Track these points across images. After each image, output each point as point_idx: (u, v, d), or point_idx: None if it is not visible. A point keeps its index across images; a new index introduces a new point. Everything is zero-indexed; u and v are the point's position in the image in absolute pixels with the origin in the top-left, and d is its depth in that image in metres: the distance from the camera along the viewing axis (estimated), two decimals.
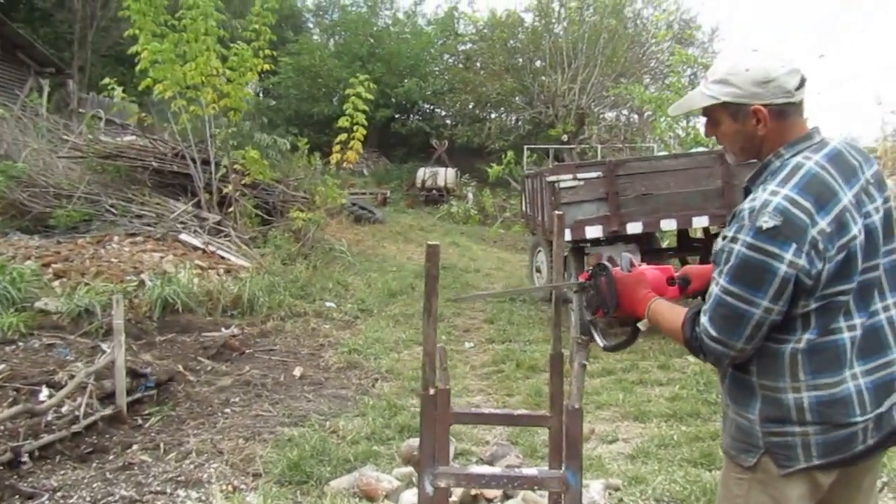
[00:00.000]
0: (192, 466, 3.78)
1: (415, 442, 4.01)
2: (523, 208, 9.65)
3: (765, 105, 1.69)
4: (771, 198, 1.58)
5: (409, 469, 3.76)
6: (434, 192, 20.45)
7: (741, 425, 1.74)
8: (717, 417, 4.70)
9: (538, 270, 9.46)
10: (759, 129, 1.71)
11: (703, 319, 1.66)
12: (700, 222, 6.46)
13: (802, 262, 1.56)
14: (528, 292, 2.10)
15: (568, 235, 6.38)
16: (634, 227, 6.35)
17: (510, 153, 18.15)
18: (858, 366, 1.66)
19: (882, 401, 1.67)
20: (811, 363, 1.64)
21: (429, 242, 1.93)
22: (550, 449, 2.53)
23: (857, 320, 1.65)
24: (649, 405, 5.00)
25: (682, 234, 7.65)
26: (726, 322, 1.62)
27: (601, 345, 2.03)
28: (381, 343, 6.74)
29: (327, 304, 8.30)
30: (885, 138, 12.95)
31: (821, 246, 1.57)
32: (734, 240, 1.62)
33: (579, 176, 6.25)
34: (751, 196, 1.66)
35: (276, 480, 3.63)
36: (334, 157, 10.33)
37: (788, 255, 1.55)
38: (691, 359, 6.25)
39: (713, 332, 1.63)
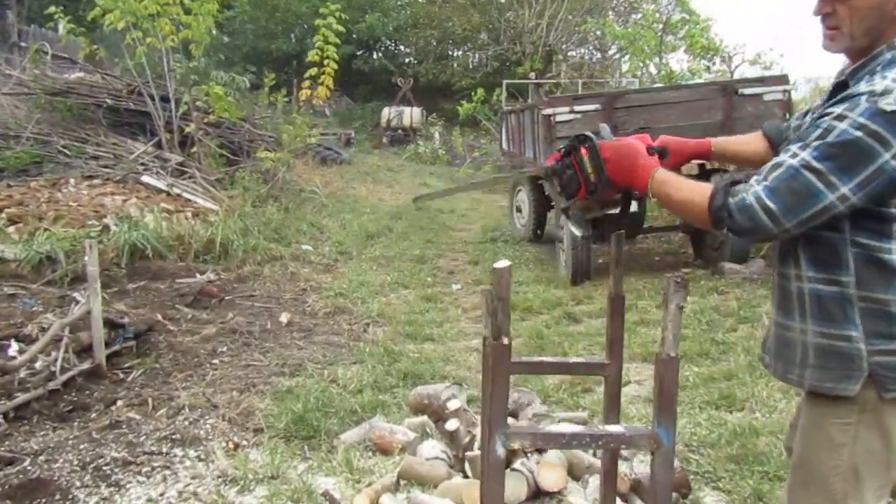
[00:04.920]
0: (186, 423, 3.48)
1: (424, 390, 3.77)
2: (503, 146, 9.33)
3: None
4: (894, 84, 1.40)
5: (421, 419, 3.53)
6: (400, 131, 19.90)
7: (835, 349, 1.53)
8: (726, 357, 4.59)
9: (519, 210, 9.23)
10: None
11: (759, 188, 1.46)
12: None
13: None
14: (490, 184, 1.90)
15: None
16: None
17: (480, 91, 17.64)
18: None
19: None
20: None
21: (496, 266, 1.60)
22: (606, 400, 2.31)
23: None
24: (655, 346, 4.80)
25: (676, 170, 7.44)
26: (792, 197, 1.44)
27: (579, 234, 1.85)
28: (366, 286, 6.45)
29: (304, 247, 7.95)
30: None
31: None
32: (840, 117, 1.42)
33: (576, 109, 5.94)
34: (863, 83, 1.45)
35: (281, 435, 3.37)
36: (304, 94, 9.78)
37: None
38: (689, 297, 6.13)
39: (770, 203, 1.45)
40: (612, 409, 2.26)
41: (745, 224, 1.48)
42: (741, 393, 3.94)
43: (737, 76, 15.17)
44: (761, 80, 6.34)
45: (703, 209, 1.53)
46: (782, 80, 6.17)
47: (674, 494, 2.80)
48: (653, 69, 15.97)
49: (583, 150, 1.69)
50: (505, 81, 17.33)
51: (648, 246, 8.64)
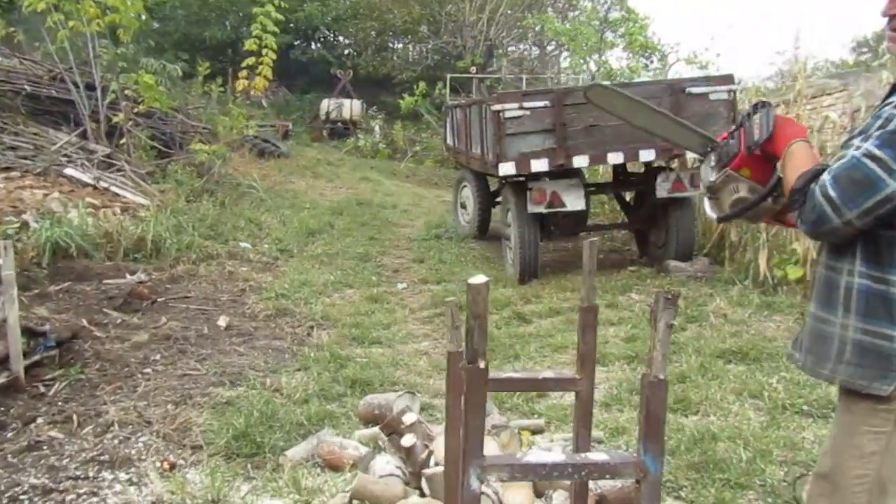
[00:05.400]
0: (115, 441, 3.20)
1: (374, 399, 3.61)
2: (448, 141, 9.18)
3: None
4: None
5: (372, 430, 3.35)
6: (339, 124, 19.48)
7: (874, 347, 1.51)
8: (678, 358, 4.56)
9: (463, 206, 9.10)
10: None
11: (826, 177, 1.46)
12: (647, 156, 6.21)
13: None
14: (681, 136, 1.94)
15: (512, 169, 6.00)
16: (581, 161, 6.04)
17: (421, 84, 17.43)
18: None
19: None
20: None
21: (472, 282, 1.49)
22: (578, 417, 2.18)
23: None
24: (607, 347, 4.80)
25: (616, 168, 7.44)
26: (852, 186, 1.43)
27: (715, 216, 1.88)
28: (308, 286, 6.20)
29: (241, 244, 7.61)
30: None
31: None
32: None
33: (525, 105, 5.82)
34: None
35: (222, 453, 3.12)
36: (241, 84, 9.39)
37: None
38: (635, 296, 6.13)
39: (831, 192, 1.44)
40: (584, 427, 2.14)
41: (810, 213, 1.48)
42: (695, 396, 3.90)
43: (671, 74, 15.47)
44: (707, 80, 6.38)
45: (789, 189, 1.54)
46: (727, 79, 6.22)
47: None
48: (592, 66, 16.11)
49: (756, 116, 1.75)
50: (448, 75, 17.17)
51: None
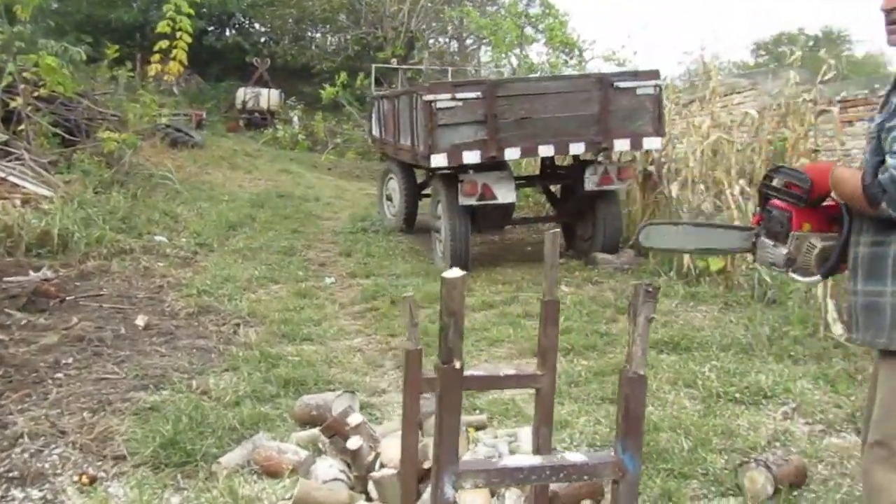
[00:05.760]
0: (25, 455, 2.90)
1: (311, 399, 3.47)
2: (374, 132, 9.00)
3: None
4: None
5: (310, 432, 3.20)
6: (256, 114, 18.89)
7: None
8: (612, 349, 4.60)
9: (389, 199, 8.96)
10: None
11: (891, 160, 1.55)
12: (576, 149, 6.26)
13: None
14: (726, 239, 2.04)
15: (444, 160, 5.90)
16: (512, 153, 6.02)
17: (343, 74, 17.10)
18: None
19: None
20: None
21: (447, 276, 1.40)
22: (537, 415, 2.13)
23: None
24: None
25: (543, 161, 7.47)
26: None
27: (817, 277, 1.87)
28: (232, 282, 5.92)
29: (157, 238, 7.21)
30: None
31: None
32: None
33: (458, 96, 5.74)
34: None
35: (148, 463, 2.89)
36: (154, 68, 8.89)
37: None
38: (565, 288, 6.16)
39: None
40: (545, 425, 2.08)
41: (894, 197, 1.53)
42: None
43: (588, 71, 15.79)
44: (635, 75, 6.48)
45: (860, 192, 1.60)
46: (654, 75, 6.34)
47: (588, 502, 2.68)
48: (514, 61, 16.23)
49: (775, 179, 1.83)
50: (374, 65, 16.92)
51: (519, 235, 8.70)
